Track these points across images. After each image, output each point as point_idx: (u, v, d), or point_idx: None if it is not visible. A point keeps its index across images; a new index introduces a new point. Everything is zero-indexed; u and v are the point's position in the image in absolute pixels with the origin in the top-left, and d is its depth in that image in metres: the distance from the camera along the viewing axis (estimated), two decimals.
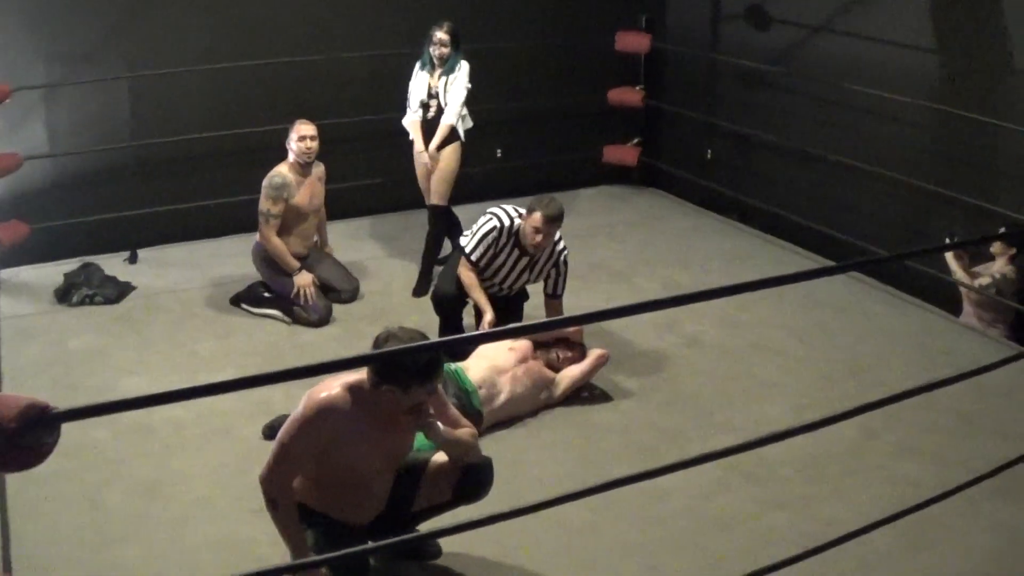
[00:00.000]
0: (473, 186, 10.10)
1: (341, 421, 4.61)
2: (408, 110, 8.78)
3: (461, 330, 7.51)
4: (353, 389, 4.65)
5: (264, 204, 8.03)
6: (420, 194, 8.93)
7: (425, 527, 5.17)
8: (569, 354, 7.11)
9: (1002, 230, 8.14)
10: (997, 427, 6.75)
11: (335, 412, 4.59)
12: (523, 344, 7.01)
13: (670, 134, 11.91)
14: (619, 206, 11.25)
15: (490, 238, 7.21)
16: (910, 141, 9.13)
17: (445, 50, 8.62)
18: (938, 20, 8.76)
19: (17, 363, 7.33)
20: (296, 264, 8.14)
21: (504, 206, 7.35)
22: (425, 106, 8.72)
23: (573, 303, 7.59)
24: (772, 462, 6.20)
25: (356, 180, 9.04)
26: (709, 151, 11.45)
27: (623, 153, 11.51)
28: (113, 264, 9.03)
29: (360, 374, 4.68)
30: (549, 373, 6.99)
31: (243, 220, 9.19)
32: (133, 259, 9.27)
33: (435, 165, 8.68)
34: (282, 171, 8.08)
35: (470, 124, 8.89)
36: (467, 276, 7.31)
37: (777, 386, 7.25)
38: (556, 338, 7.18)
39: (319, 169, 8.35)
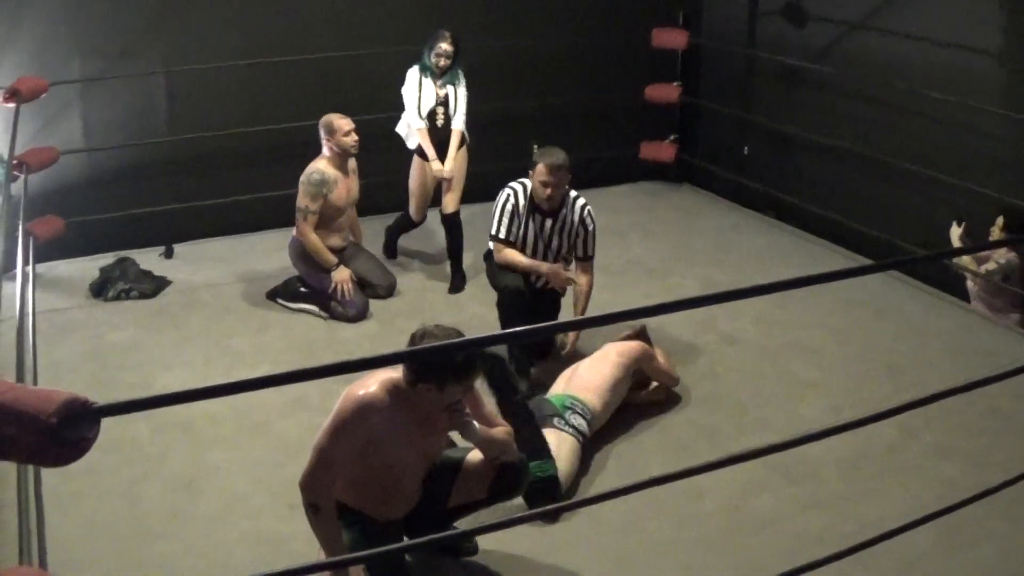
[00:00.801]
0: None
1: (379, 420, 4.60)
2: (411, 118, 8.75)
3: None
4: (390, 387, 4.64)
5: (302, 200, 8.03)
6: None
7: (461, 524, 5.16)
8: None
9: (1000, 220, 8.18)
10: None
11: (373, 411, 4.58)
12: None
13: (707, 131, 11.87)
14: (655, 203, 11.21)
15: (508, 208, 7.14)
16: (950, 139, 9.05)
17: (448, 61, 8.65)
18: (979, 16, 8.69)
19: (54, 358, 7.35)
20: (334, 259, 8.13)
21: (516, 180, 7.30)
22: (432, 114, 8.74)
23: (608, 300, 7.59)
24: (810, 462, 6.16)
25: (389, 176, 8.99)
26: (746, 148, 11.40)
27: (659, 150, 11.47)
28: (149, 259, 9.06)
29: (397, 372, 4.66)
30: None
31: (279, 215, 9.21)
32: (169, 254, 9.29)
33: (450, 174, 8.75)
34: (320, 167, 8.08)
35: None
36: (507, 255, 7.16)
37: (814, 385, 7.20)
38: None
39: (352, 163, 8.34)
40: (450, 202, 8.80)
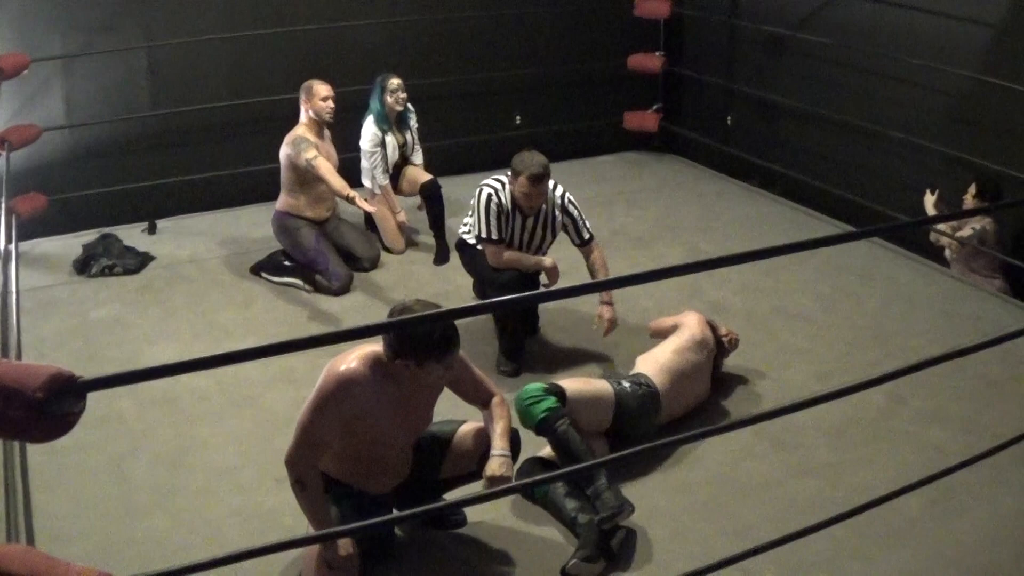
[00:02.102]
0: (491, 153, 10.06)
1: (362, 394, 4.57)
2: (373, 174, 8.77)
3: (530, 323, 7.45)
4: (372, 362, 4.61)
5: (303, 156, 7.92)
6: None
7: (450, 497, 5.16)
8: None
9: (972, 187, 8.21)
10: None
11: (355, 386, 4.55)
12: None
13: (690, 100, 11.87)
14: (639, 172, 11.20)
15: (493, 208, 6.83)
16: (933, 105, 9.05)
17: (405, 95, 8.70)
18: None
19: (38, 334, 7.33)
20: (345, 182, 7.90)
21: (490, 178, 7.02)
22: (397, 164, 8.91)
23: None
24: (799, 429, 6.17)
25: (355, 152, 8.93)
26: (729, 117, 11.40)
27: (643, 119, 11.47)
28: (132, 235, 9.03)
29: (379, 345, 4.63)
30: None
31: (262, 189, 9.21)
32: (152, 229, 9.25)
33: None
34: (300, 133, 8.05)
35: None
36: (508, 257, 6.91)
37: (802, 352, 7.20)
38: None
39: (327, 132, 8.33)
40: (421, 173, 8.82)
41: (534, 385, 5.50)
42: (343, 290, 8.11)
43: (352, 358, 4.60)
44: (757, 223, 9.57)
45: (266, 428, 6.19)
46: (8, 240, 7.31)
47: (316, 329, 7.39)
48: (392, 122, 8.70)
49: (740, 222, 9.61)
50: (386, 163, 8.70)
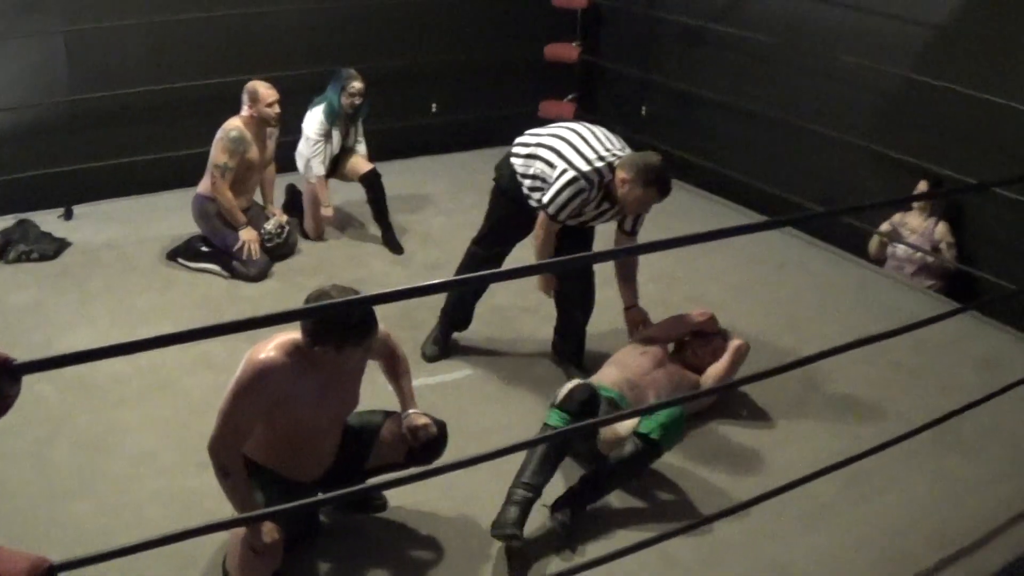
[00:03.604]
0: (408, 140, 10.10)
1: (282, 382, 4.58)
2: (314, 166, 8.71)
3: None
4: (291, 349, 4.61)
5: (220, 157, 7.98)
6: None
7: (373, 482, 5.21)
8: (707, 347, 6.61)
9: (922, 184, 8.32)
10: (937, 380, 6.91)
11: (274, 373, 4.56)
12: (653, 349, 6.42)
13: (606, 90, 11.96)
14: None
15: (577, 201, 6.21)
16: (847, 98, 9.20)
17: (361, 100, 8.65)
18: None
19: None
20: (244, 219, 8.14)
21: (577, 155, 6.21)
22: (336, 157, 8.88)
23: (511, 257, 7.61)
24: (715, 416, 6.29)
25: (292, 136, 8.92)
26: (644, 107, 11.49)
27: (559, 108, 11.53)
28: (49, 220, 8.94)
29: (297, 332, 4.67)
30: (691, 375, 6.49)
31: (180, 174, 9.17)
32: (69, 215, 9.18)
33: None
34: (238, 124, 8.04)
35: None
36: (546, 240, 6.46)
37: None
38: (689, 332, 6.69)
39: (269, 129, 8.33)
40: (363, 163, 8.85)
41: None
42: (260, 276, 8.14)
43: (271, 346, 4.61)
44: (671, 213, 9.53)
45: (185, 413, 6.21)
46: None
47: (234, 314, 7.38)
48: (343, 117, 8.67)
49: (654, 211, 9.56)
50: (325, 156, 8.71)
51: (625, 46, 11.63)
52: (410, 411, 5.08)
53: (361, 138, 9.01)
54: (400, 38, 10.62)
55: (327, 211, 8.77)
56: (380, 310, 4.45)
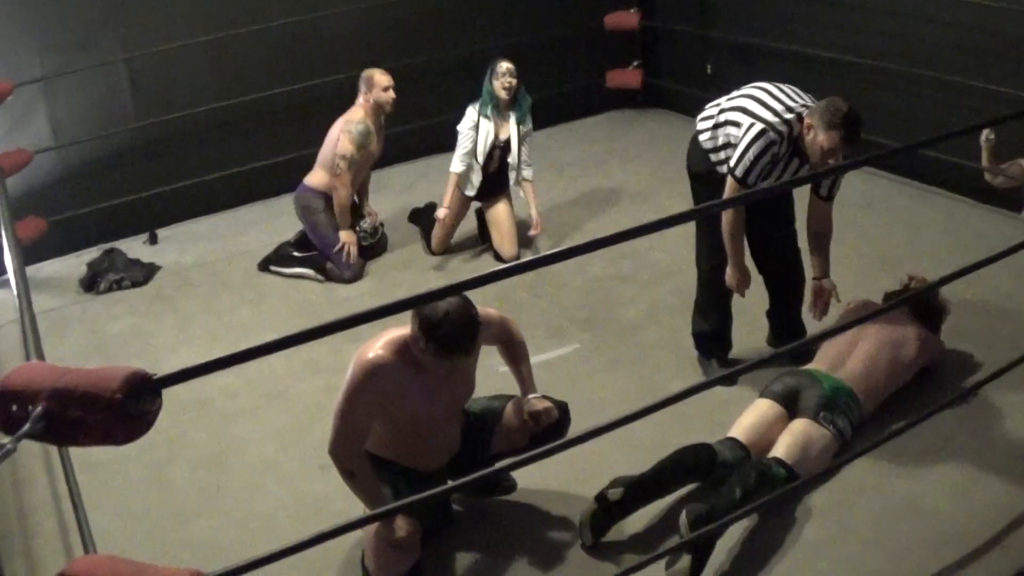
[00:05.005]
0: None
1: (393, 378, 4.61)
2: (459, 157, 8.21)
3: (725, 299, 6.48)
4: (399, 345, 4.64)
5: (347, 148, 7.92)
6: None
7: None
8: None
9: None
10: None
11: (384, 370, 4.58)
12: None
13: (670, 53, 11.86)
14: (628, 130, 11.23)
15: (767, 156, 5.70)
16: (921, 34, 9.06)
17: (514, 81, 8.08)
18: None
19: (57, 356, 7.24)
20: (351, 221, 8.09)
21: (764, 109, 5.83)
22: (489, 157, 8.24)
23: (598, 229, 7.58)
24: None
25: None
26: (709, 66, 11.40)
27: (626, 76, 11.49)
28: (134, 247, 9.01)
29: (405, 328, 4.65)
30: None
31: (259, 187, 9.24)
32: (153, 240, 9.23)
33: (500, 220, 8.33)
34: (362, 116, 8.01)
35: None
36: (736, 218, 5.96)
37: None
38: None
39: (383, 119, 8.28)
40: (506, 242, 8.32)
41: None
42: (355, 278, 8.12)
43: (378, 345, 4.64)
44: None
45: (301, 419, 6.25)
46: (17, 267, 7.29)
47: (333, 317, 7.37)
48: (498, 107, 8.18)
49: None
50: (471, 149, 8.21)
51: (683, 6, 11.52)
52: (530, 396, 5.08)
53: (525, 155, 8.30)
54: (457, 29, 10.58)
55: (442, 211, 8.32)
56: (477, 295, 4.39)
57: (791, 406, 5.49)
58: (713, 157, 6.08)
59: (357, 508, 4.75)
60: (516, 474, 5.28)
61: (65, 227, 8.94)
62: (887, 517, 5.06)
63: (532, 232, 8.20)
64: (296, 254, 8.31)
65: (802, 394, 5.50)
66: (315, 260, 8.21)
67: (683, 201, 8.65)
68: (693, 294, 6.78)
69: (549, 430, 5.01)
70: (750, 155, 5.67)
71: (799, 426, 5.34)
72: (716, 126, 6.05)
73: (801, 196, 6.09)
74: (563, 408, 5.13)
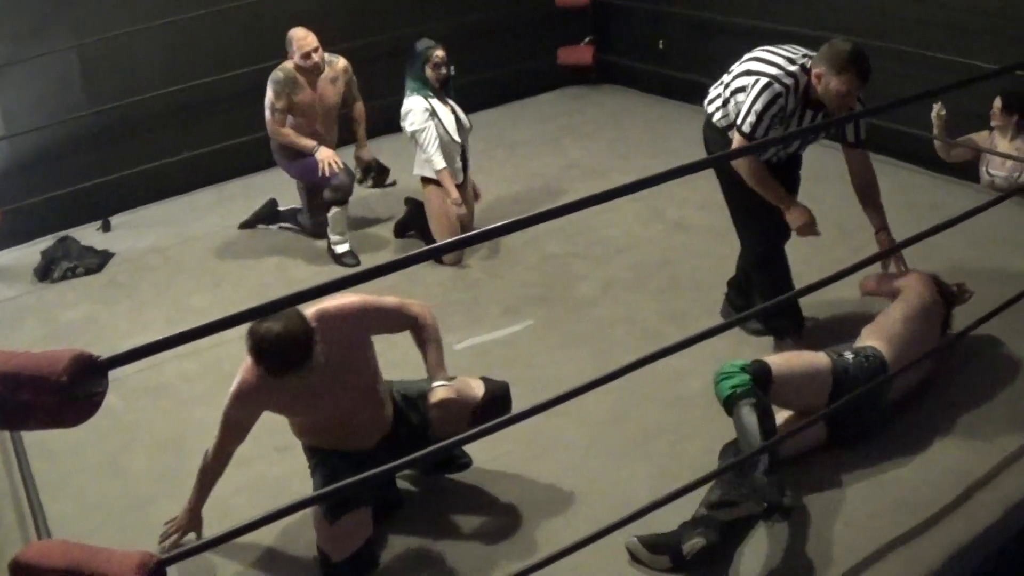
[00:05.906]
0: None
1: (269, 397, 4.63)
2: (435, 152, 7.78)
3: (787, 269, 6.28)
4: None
5: (268, 96, 7.93)
6: None
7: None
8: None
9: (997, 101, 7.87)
10: (994, 271, 6.89)
11: (255, 393, 4.63)
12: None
13: (621, 28, 11.88)
14: (582, 106, 11.25)
15: (775, 108, 5.59)
16: (880, 5, 9.09)
17: (447, 70, 7.93)
18: None
19: (13, 344, 7.19)
20: (312, 142, 7.95)
21: (767, 66, 5.73)
22: (461, 148, 8.01)
23: (551, 203, 7.58)
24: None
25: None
26: (661, 40, 11.42)
27: (577, 53, 11.52)
28: (88, 234, 8.98)
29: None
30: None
31: (212, 171, 9.20)
32: (106, 227, 9.19)
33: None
34: (287, 66, 7.96)
35: None
36: (762, 169, 5.85)
37: None
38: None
39: (336, 68, 8.18)
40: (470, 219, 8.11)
41: (735, 362, 5.08)
42: (346, 193, 7.99)
43: (242, 369, 4.65)
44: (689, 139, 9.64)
45: None
46: None
47: None
48: (437, 90, 7.95)
49: (688, 142, 9.49)
50: (446, 134, 7.89)
51: None
52: (435, 384, 4.89)
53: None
54: (409, 9, 10.58)
55: (458, 208, 7.83)
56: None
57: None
58: (731, 135, 5.89)
59: (310, 491, 4.76)
60: (472, 452, 5.27)
61: (17, 216, 8.87)
62: (848, 486, 5.09)
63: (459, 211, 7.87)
64: (279, 209, 8.60)
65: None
66: (296, 215, 8.54)
67: (637, 176, 8.64)
68: (648, 267, 6.80)
69: (485, 413, 4.87)
70: (757, 108, 5.58)
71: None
72: (725, 102, 5.94)
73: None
74: (502, 388, 5.06)
